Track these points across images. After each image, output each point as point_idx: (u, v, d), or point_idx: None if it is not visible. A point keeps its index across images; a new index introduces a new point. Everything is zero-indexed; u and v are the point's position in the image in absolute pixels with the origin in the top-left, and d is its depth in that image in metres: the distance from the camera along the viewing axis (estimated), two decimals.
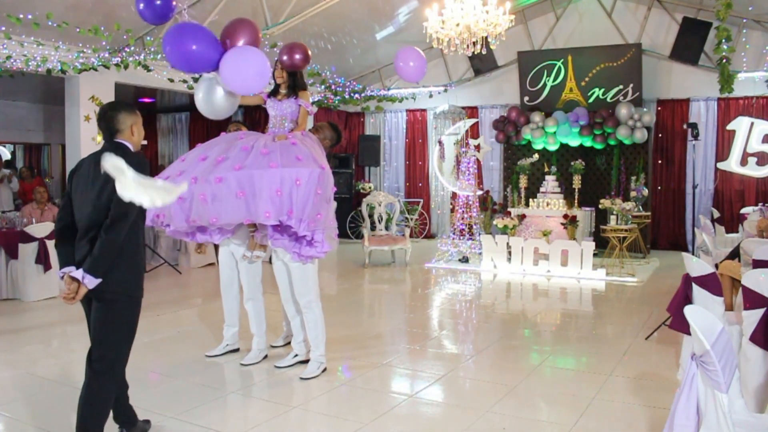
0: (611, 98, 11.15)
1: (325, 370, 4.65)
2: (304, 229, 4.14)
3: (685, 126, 10.30)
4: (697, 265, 4.16)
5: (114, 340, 3.12)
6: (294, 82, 4.89)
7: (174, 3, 4.73)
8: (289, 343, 5.21)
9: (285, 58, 4.78)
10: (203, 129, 14.61)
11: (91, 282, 2.96)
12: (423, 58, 5.33)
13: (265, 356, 5.01)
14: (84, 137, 9.12)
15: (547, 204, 10.31)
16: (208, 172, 4.12)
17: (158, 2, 4.58)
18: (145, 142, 9.45)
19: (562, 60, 11.45)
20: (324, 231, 4.34)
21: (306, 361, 4.74)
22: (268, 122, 4.92)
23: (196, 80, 10.13)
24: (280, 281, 4.77)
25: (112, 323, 3.10)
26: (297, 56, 4.76)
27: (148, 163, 3.25)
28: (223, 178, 4.06)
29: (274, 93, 4.95)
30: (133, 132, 3.26)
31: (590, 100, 11.35)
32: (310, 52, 4.86)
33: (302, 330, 4.83)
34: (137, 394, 3.72)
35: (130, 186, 2.56)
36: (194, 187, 4.07)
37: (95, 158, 3.12)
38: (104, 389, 3.11)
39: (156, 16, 4.72)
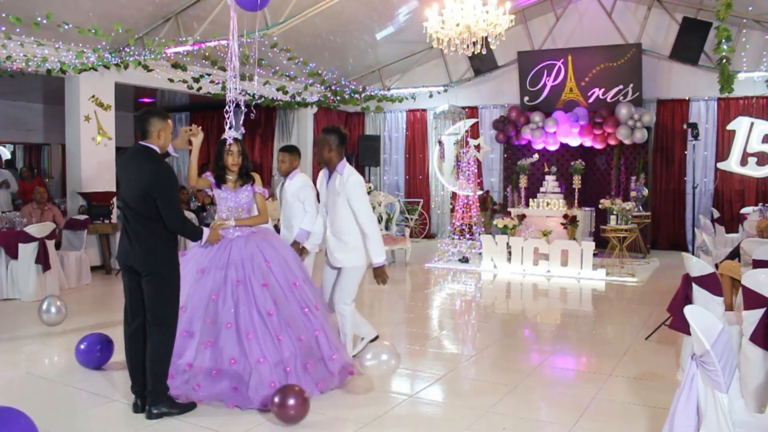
0: (611, 98, 11.15)
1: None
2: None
3: (685, 126, 10.31)
4: (697, 265, 4.16)
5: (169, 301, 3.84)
6: (247, 167, 4.38)
7: None
8: None
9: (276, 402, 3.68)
10: (203, 129, 14.53)
11: None
12: None
13: None
14: (84, 137, 9.12)
15: (547, 204, 10.31)
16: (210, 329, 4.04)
17: None
18: None
19: (562, 60, 11.45)
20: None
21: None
22: (217, 212, 4.42)
23: (196, 80, 10.21)
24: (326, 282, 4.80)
25: (164, 290, 3.77)
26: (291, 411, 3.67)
27: (169, 167, 3.88)
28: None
29: (220, 179, 4.35)
30: (159, 136, 3.81)
31: (590, 100, 11.35)
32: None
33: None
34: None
35: None
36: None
37: (128, 154, 3.90)
38: (170, 339, 3.78)
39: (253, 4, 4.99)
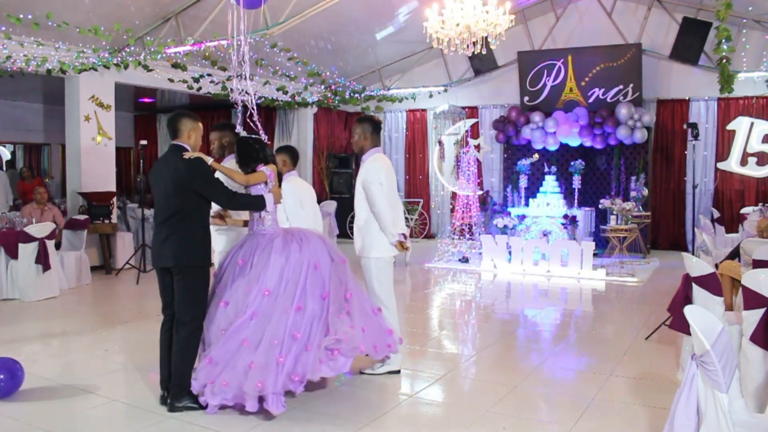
0: (611, 98, 11.15)
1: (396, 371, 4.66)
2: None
3: (685, 126, 10.30)
4: (697, 265, 4.16)
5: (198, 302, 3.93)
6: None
7: None
8: None
9: None
10: (203, 129, 14.54)
11: None
12: None
13: None
14: (84, 137, 9.12)
15: (547, 204, 10.31)
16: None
17: None
18: (144, 142, 9.45)
19: (562, 60, 11.45)
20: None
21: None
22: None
23: (196, 80, 10.21)
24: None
25: (191, 291, 3.87)
26: None
27: (202, 162, 3.86)
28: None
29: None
30: (189, 136, 3.96)
31: (590, 100, 11.35)
32: None
33: None
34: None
35: None
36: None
37: (162, 156, 4.12)
38: (194, 339, 3.88)
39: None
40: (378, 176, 4.48)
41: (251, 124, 4.46)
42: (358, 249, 4.64)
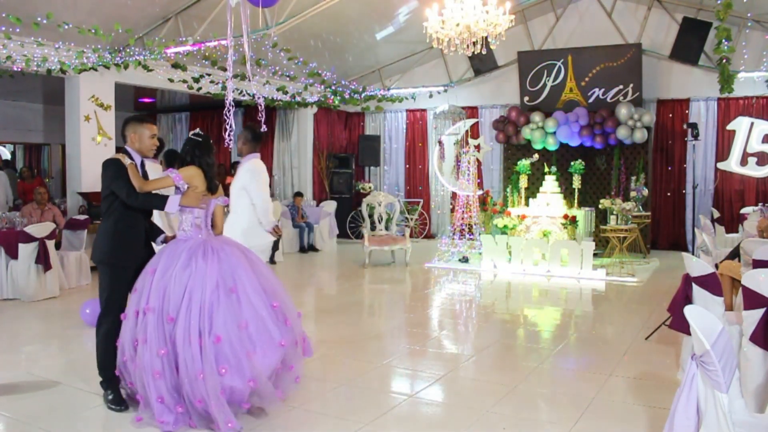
0: (611, 98, 11.15)
1: None
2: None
3: (685, 126, 10.30)
4: (697, 265, 4.16)
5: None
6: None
7: None
8: None
9: None
10: (203, 129, 14.54)
11: None
12: None
13: None
14: (84, 137, 9.12)
15: (547, 204, 10.31)
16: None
17: None
18: None
19: (562, 60, 11.45)
20: None
21: None
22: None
23: (196, 80, 10.21)
24: None
25: (101, 285, 4.13)
26: None
27: (113, 162, 4.00)
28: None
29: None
30: (132, 141, 4.14)
31: (590, 100, 11.35)
32: None
33: None
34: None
35: None
36: None
37: None
38: (107, 339, 3.97)
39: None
40: (256, 176, 5.03)
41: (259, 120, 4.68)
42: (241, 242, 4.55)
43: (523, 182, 10.87)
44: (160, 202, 3.90)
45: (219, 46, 8.99)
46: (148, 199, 3.95)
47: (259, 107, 5.15)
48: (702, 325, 2.46)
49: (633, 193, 10.33)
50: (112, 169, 3.93)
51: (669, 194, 11.50)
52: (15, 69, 8.12)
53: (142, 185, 3.92)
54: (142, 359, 3.58)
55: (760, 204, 9.77)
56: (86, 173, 9.18)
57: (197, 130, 4.22)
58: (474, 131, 12.24)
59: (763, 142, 10.34)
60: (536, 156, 11.05)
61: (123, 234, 4.02)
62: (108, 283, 4.06)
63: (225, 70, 10.03)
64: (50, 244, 7.46)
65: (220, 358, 3.55)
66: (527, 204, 10.64)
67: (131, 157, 4.08)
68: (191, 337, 3.53)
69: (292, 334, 3.83)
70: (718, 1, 8.58)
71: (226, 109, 4.76)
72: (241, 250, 4.00)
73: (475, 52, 7.09)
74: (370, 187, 13.37)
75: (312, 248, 11.60)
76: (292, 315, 3.90)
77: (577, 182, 10.45)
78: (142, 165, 4.16)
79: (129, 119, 4.21)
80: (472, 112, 12.79)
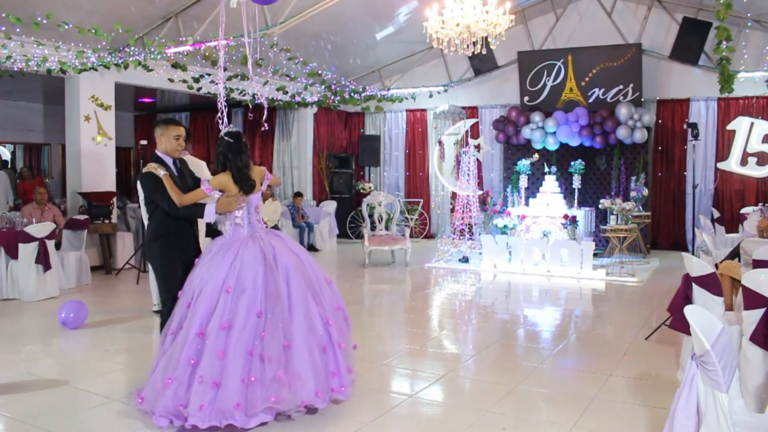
0: (611, 98, 11.15)
1: None
2: None
3: (685, 126, 10.29)
4: (697, 265, 4.16)
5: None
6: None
7: None
8: None
9: None
10: (203, 129, 14.63)
11: None
12: None
13: None
14: (84, 137, 9.12)
15: (547, 204, 10.31)
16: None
17: None
18: (144, 142, 9.45)
19: (562, 60, 11.45)
20: None
21: None
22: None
23: (196, 80, 10.20)
24: None
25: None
26: None
27: (149, 175, 4.12)
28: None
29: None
30: (160, 141, 4.29)
31: (590, 100, 11.35)
32: None
33: None
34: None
35: None
36: None
37: None
38: None
39: None
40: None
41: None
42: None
43: (523, 182, 10.87)
44: (200, 211, 4.07)
45: (219, 46, 8.98)
46: (188, 210, 4.11)
47: (219, 105, 4.68)
48: (702, 325, 2.46)
49: (633, 193, 10.34)
50: (150, 183, 4.11)
51: (669, 194, 11.50)
52: (15, 69, 8.11)
53: (180, 199, 4.04)
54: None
55: (760, 204, 9.76)
56: (86, 173, 9.18)
57: (230, 127, 4.14)
58: (474, 131, 12.23)
59: (763, 142, 10.33)
60: (536, 156, 11.04)
61: (167, 235, 4.22)
62: (161, 281, 4.29)
63: (225, 69, 10.04)
64: (50, 244, 7.47)
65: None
66: (527, 204, 10.64)
67: (164, 163, 4.18)
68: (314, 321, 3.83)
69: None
70: (719, 1, 8.57)
71: (219, 112, 4.59)
72: (289, 246, 4.12)
73: (475, 52, 7.09)
74: (370, 187, 13.37)
75: (312, 248, 11.59)
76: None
77: (577, 182, 10.46)
78: (176, 164, 4.26)
79: (155, 123, 4.31)
80: (472, 112, 12.78)
